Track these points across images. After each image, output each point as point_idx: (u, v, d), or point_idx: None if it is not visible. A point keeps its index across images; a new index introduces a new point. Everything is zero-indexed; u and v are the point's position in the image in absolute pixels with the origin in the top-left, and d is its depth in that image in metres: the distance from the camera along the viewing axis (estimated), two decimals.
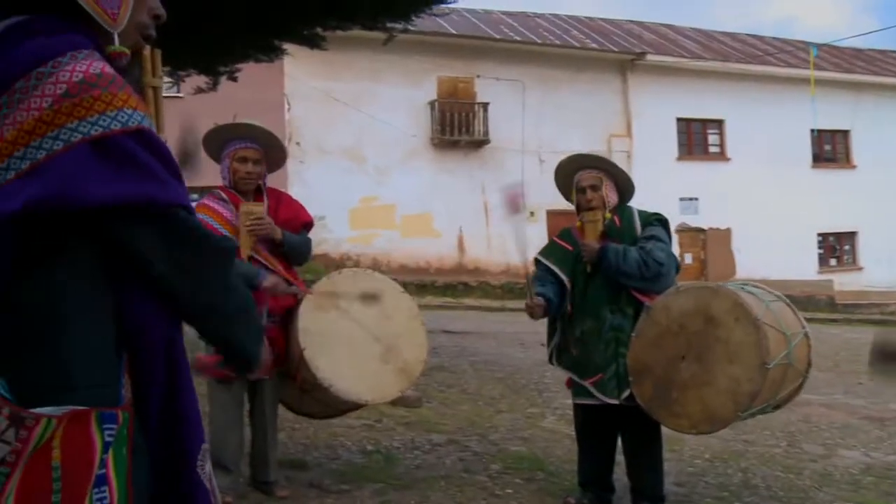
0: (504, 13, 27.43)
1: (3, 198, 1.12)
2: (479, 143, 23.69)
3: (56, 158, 1.14)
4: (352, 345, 3.76)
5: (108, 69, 1.23)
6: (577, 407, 4.20)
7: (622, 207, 4.22)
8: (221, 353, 1.47)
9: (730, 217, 25.49)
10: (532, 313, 4.02)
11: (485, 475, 4.59)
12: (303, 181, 22.10)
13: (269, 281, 3.59)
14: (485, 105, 23.71)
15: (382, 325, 3.84)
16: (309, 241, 4.02)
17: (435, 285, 21.33)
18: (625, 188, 4.25)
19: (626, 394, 3.89)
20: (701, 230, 25.56)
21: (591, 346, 4.02)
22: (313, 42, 10.06)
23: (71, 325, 1.17)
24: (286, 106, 22.12)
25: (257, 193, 3.98)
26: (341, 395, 3.68)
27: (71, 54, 1.19)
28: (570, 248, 4.20)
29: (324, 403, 4.00)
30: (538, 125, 23.96)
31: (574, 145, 23.62)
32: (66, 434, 1.12)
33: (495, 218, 21.78)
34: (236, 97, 16.74)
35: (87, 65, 1.19)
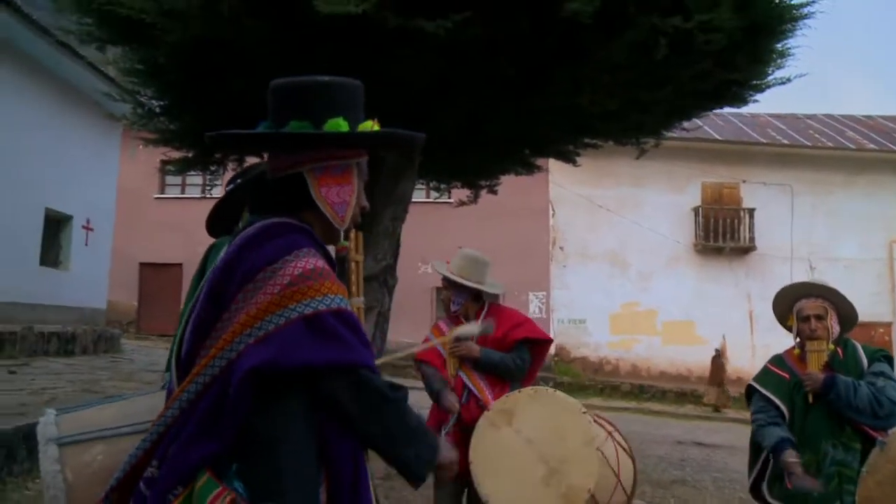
0: (772, 116, 26.59)
1: (246, 357, 1.62)
2: (745, 250, 22.94)
3: (281, 331, 1.63)
4: (517, 464, 3.73)
5: (321, 264, 1.72)
6: None
7: (844, 340, 4.12)
8: (397, 469, 1.85)
9: None
10: (806, 484, 3.81)
11: None
12: (564, 284, 22.61)
13: (446, 401, 4.05)
14: (751, 210, 23.04)
15: (553, 446, 3.73)
16: (514, 357, 4.17)
17: (695, 394, 20.65)
18: (847, 320, 4.14)
19: None
20: None
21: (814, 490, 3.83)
22: (567, 157, 10.57)
23: (287, 448, 1.65)
24: (551, 211, 22.89)
25: (482, 314, 4.33)
26: None
27: (295, 253, 1.71)
28: (786, 376, 4.11)
29: None
30: (809, 231, 22.82)
31: (849, 252, 22.36)
32: None
33: (761, 327, 20.81)
34: (505, 203, 17.79)
35: (306, 262, 1.70)
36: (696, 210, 23.18)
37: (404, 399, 1.79)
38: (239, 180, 2.36)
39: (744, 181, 23.18)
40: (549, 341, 4.40)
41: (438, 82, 6.99)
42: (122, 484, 1.68)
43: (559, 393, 3.96)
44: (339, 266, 1.96)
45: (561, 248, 23.08)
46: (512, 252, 20.99)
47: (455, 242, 4.62)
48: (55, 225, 13.86)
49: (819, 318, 4.05)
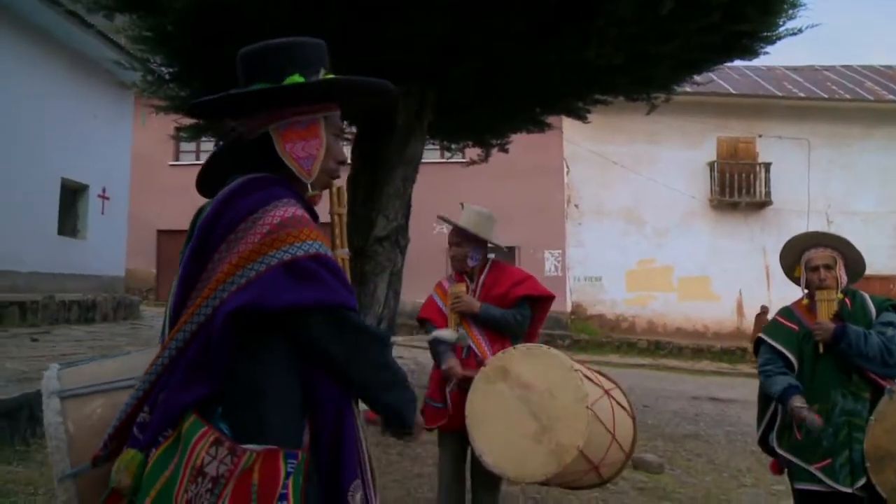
0: (788, 68, 26.22)
1: (229, 302, 1.69)
2: (761, 205, 22.80)
3: (261, 277, 1.69)
4: (509, 420, 3.73)
5: (299, 212, 1.78)
6: (798, 493, 4.03)
7: (852, 291, 4.11)
8: (381, 415, 1.91)
9: None
10: (814, 426, 3.78)
11: None
12: (580, 242, 22.62)
13: (447, 364, 4.07)
14: (767, 165, 22.84)
15: (544, 403, 3.69)
16: (514, 313, 4.19)
17: (711, 350, 20.73)
18: (855, 270, 4.13)
19: (860, 482, 3.72)
20: None
21: (819, 430, 3.84)
22: (577, 114, 10.52)
23: (270, 392, 1.72)
24: (565, 169, 22.82)
25: (484, 271, 4.36)
26: (489, 467, 3.74)
27: (274, 203, 1.76)
28: (795, 327, 4.10)
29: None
30: (825, 185, 22.64)
31: (867, 205, 22.20)
32: (263, 464, 1.64)
33: (777, 282, 20.76)
34: (519, 162, 17.79)
35: (284, 210, 1.75)
36: (711, 165, 23.01)
37: (387, 344, 1.85)
38: (221, 143, 2.42)
39: (759, 135, 22.96)
40: (551, 298, 4.38)
41: (447, 40, 6.97)
42: (119, 432, 1.76)
43: (552, 349, 3.91)
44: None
45: (576, 206, 23.05)
46: (527, 211, 21.00)
47: (470, 202, 4.64)
48: (71, 194, 13.99)
49: (828, 267, 4.03)
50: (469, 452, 4.15)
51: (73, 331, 11.04)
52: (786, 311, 4.26)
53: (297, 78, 1.85)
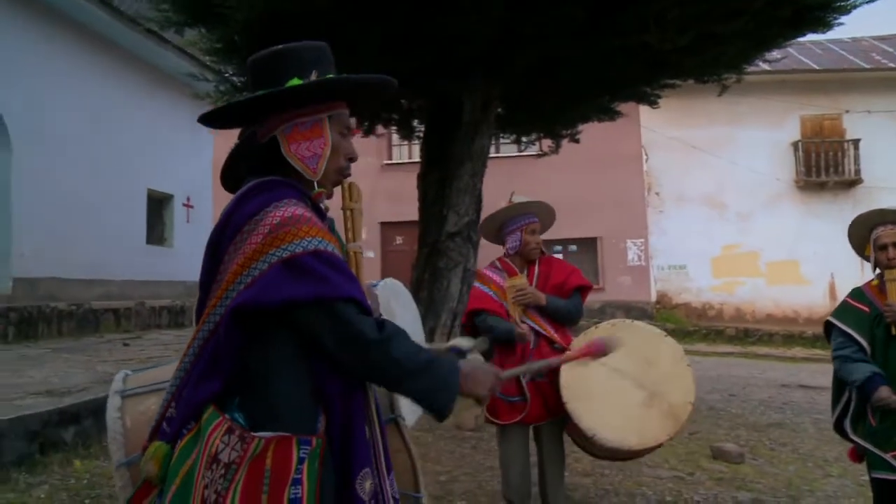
0: (876, 38, 25.08)
1: (235, 301, 1.77)
2: (851, 184, 21.88)
3: (264, 275, 1.77)
4: (613, 393, 3.80)
5: (299, 211, 1.83)
6: (875, 481, 3.86)
7: None
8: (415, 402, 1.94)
9: None
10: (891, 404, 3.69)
11: None
12: (662, 230, 22.25)
13: (517, 330, 4.11)
14: (855, 142, 21.92)
15: (645, 371, 3.81)
16: (575, 303, 4.26)
17: (803, 336, 20.07)
18: None
19: None
20: None
21: (893, 416, 3.71)
22: (647, 100, 10.37)
23: (279, 382, 1.80)
24: (644, 157, 22.48)
25: (537, 262, 4.40)
26: (606, 443, 3.78)
27: (275, 205, 1.83)
28: (865, 309, 3.94)
29: (605, 449, 3.98)
30: None
31: None
32: (276, 449, 1.73)
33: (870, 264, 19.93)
34: (597, 151, 17.64)
35: (284, 210, 1.82)
36: (795, 145, 22.24)
37: (392, 334, 1.84)
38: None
39: (846, 111, 22.09)
40: (591, 287, 4.43)
41: (503, 32, 6.98)
42: (159, 426, 1.89)
43: (637, 322, 4.04)
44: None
45: (657, 194, 22.67)
46: (607, 200, 20.84)
47: (548, 195, 4.67)
48: (157, 204, 14.54)
49: None
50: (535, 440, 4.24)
51: (163, 335, 11.49)
52: (856, 293, 4.09)
53: (296, 81, 1.91)
